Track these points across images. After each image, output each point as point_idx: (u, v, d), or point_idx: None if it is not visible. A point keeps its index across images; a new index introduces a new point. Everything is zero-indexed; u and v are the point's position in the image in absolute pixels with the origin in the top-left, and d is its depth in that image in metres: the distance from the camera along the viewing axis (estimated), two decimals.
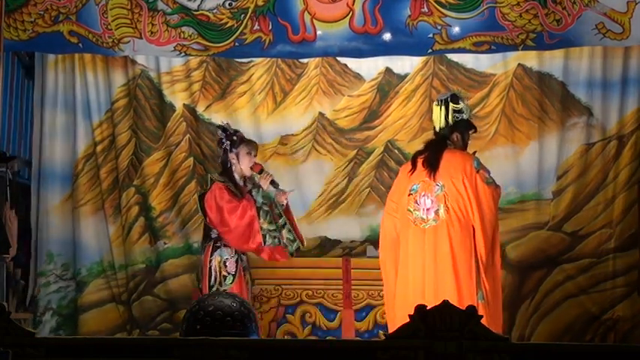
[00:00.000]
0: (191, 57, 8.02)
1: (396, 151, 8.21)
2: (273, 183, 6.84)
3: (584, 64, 7.99)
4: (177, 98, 8.33)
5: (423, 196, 6.34)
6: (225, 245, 6.73)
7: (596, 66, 7.98)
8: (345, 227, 8.21)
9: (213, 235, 6.77)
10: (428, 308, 3.31)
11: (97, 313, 8.17)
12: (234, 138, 6.89)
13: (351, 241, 8.16)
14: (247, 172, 6.88)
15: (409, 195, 6.40)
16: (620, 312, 7.79)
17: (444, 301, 3.36)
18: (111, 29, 7.34)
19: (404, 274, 6.34)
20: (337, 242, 8.19)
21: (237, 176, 6.86)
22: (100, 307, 8.18)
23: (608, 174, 7.94)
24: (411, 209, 6.37)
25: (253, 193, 6.77)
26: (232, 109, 8.32)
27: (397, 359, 3.26)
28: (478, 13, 7.16)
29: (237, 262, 6.72)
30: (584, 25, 7.09)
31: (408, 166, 6.52)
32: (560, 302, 7.88)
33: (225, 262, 6.71)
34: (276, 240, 6.72)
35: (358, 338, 7.35)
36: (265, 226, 6.72)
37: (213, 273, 6.69)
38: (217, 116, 8.28)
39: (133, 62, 8.30)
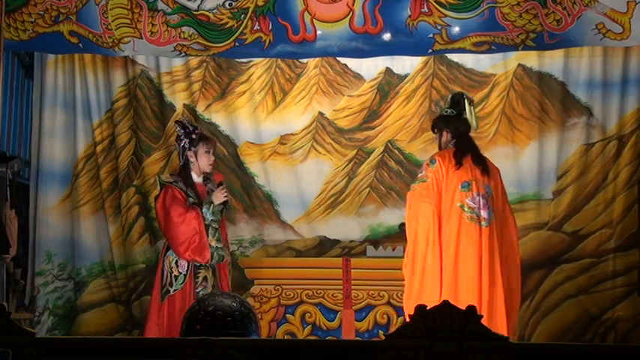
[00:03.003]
0: (191, 57, 8.02)
1: (396, 151, 8.20)
2: (225, 204, 6.79)
3: (584, 64, 7.99)
4: (177, 98, 8.33)
5: (478, 195, 6.34)
6: None
7: (596, 66, 7.97)
8: (344, 227, 8.20)
9: None
10: (428, 308, 3.31)
11: (97, 313, 8.17)
12: (193, 136, 6.84)
13: (351, 241, 8.15)
14: (207, 169, 6.84)
15: (460, 191, 6.36)
16: (620, 312, 7.78)
17: (443, 301, 3.36)
18: (111, 29, 7.34)
19: (451, 268, 6.30)
20: (336, 242, 8.18)
21: (194, 175, 6.82)
22: (100, 307, 8.18)
23: (608, 174, 7.93)
24: (464, 206, 6.33)
25: (204, 210, 6.70)
26: (232, 109, 8.32)
27: (397, 359, 3.26)
28: (478, 13, 7.16)
29: (189, 262, 6.69)
30: (584, 25, 7.09)
31: (451, 160, 6.41)
32: (560, 302, 7.87)
33: (176, 262, 6.67)
34: (222, 258, 6.73)
35: (358, 338, 7.34)
36: (213, 243, 6.69)
37: (165, 272, 6.66)
38: (217, 116, 8.30)
39: (133, 62, 8.30)
